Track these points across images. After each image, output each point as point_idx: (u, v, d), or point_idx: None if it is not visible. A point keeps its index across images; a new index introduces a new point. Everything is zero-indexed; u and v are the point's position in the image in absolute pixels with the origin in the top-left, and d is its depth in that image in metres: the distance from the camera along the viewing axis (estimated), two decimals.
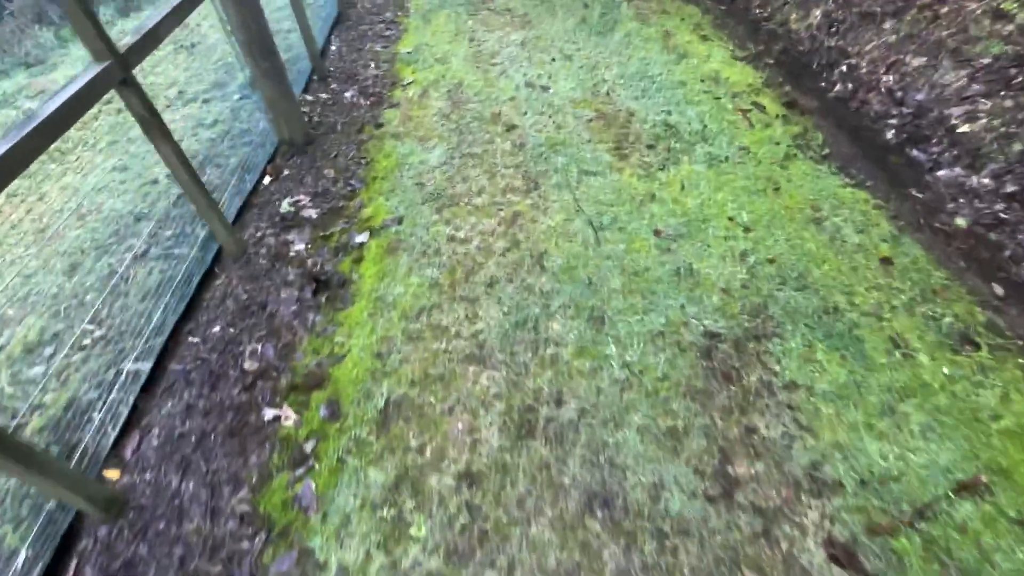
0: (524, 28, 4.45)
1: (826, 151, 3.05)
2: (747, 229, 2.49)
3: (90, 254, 2.46)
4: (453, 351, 1.98)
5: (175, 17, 2.07)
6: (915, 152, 3.17)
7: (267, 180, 2.92)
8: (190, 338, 2.08)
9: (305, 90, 3.76)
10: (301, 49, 3.89)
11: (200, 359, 2.00)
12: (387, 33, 4.55)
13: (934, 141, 3.22)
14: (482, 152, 3.02)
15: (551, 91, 3.57)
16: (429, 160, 2.99)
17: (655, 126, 3.22)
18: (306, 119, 3.41)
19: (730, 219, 2.54)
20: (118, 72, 1.73)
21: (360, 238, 2.50)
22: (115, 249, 2.48)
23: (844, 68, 3.97)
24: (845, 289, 2.20)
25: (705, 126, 3.22)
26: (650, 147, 3.04)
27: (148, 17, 1.95)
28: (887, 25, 3.93)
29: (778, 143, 3.10)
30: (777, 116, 3.36)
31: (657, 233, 2.46)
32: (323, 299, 2.23)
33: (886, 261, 2.33)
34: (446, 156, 3.01)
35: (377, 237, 2.50)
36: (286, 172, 2.99)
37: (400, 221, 2.58)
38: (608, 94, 3.54)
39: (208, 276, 2.34)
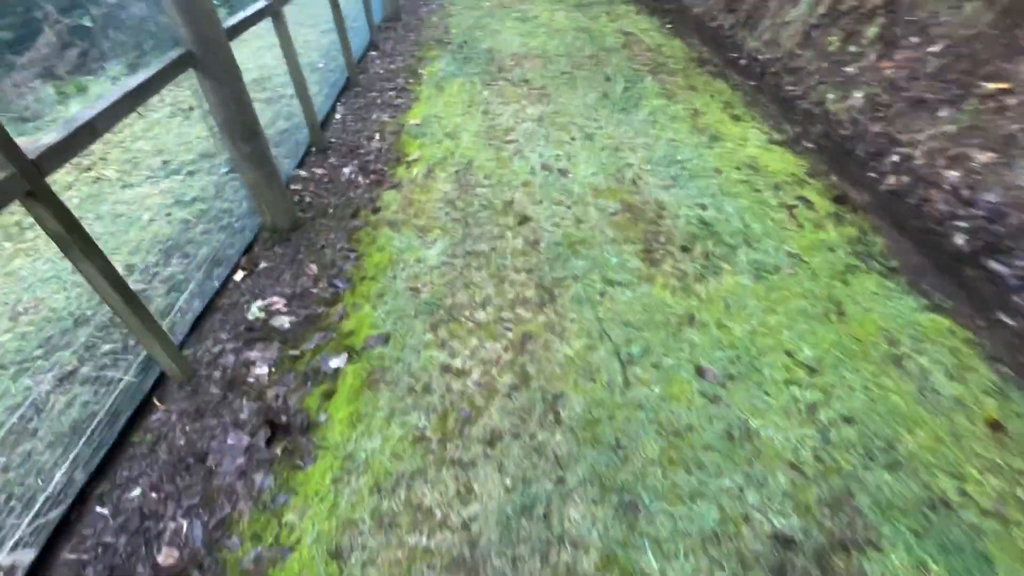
0: (542, 102, 4.16)
1: (892, 263, 2.60)
2: (812, 370, 2.01)
3: (9, 370, 2.03)
4: (436, 551, 1.48)
5: (112, 114, 1.71)
6: (995, 264, 2.71)
7: (240, 275, 2.52)
8: (98, 507, 1.61)
9: (301, 163, 3.43)
10: (303, 117, 3.60)
11: (102, 544, 1.51)
12: (397, 102, 4.29)
13: (1016, 252, 2.77)
14: (489, 250, 2.61)
15: (570, 176, 3.21)
16: (427, 257, 2.58)
17: (689, 223, 2.81)
18: (296, 199, 3.06)
19: (789, 355, 2.07)
20: (23, 182, 1.34)
21: (335, 362, 2.05)
22: (41, 364, 2.05)
23: (896, 158, 3.59)
24: (951, 469, 1.69)
25: (747, 225, 2.80)
26: (685, 250, 2.62)
27: (79, 112, 1.59)
28: (943, 113, 3.57)
29: (833, 249, 2.66)
30: (827, 214, 2.94)
31: (701, 373, 1.99)
32: (278, 451, 1.76)
33: (996, 426, 1.82)
34: (448, 253, 2.60)
35: (356, 362, 2.05)
36: (263, 265, 2.59)
37: (386, 340, 2.14)
38: (634, 182, 3.16)
39: (142, 410, 1.89)
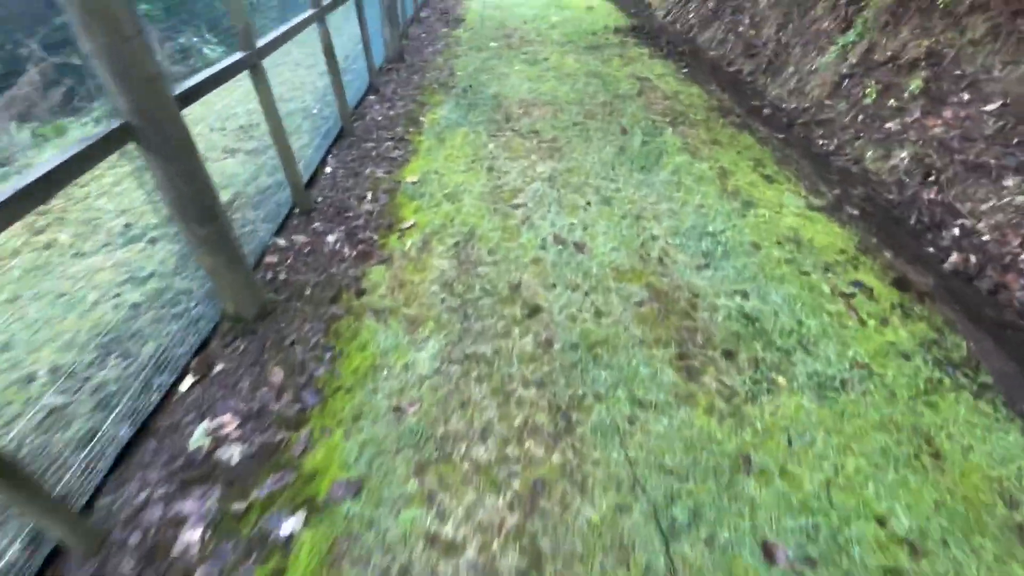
0: (553, 157, 3.78)
1: (982, 377, 2.13)
2: (914, 550, 1.52)
3: None
4: None
5: (16, 207, 1.30)
6: None
7: (187, 383, 2.07)
8: None
9: (280, 229, 3.02)
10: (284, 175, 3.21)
11: None
12: (394, 154, 3.92)
13: None
14: (492, 353, 2.16)
15: (587, 252, 2.78)
16: (417, 362, 2.13)
17: (730, 317, 2.36)
18: (269, 276, 2.64)
19: (880, 523, 1.59)
20: None
21: (289, 525, 1.58)
22: None
23: (956, 231, 3.16)
24: None
25: (800, 321, 2.35)
26: (728, 356, 2.16)
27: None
28: (1009, 182, 3.16)
29: (908, 356, 2.20)
30: (891, 304, 2.49)
31: (770, 554, 1.50)
32: None
33: None
34: (442, 357, 2.15)
35: (317, 524, 1.58)
36: (219, 367, 2.14)
37: (358, 490, 1.67)
38: (661, 260, 2.73)
39: None
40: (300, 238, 2.96)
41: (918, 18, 4.33)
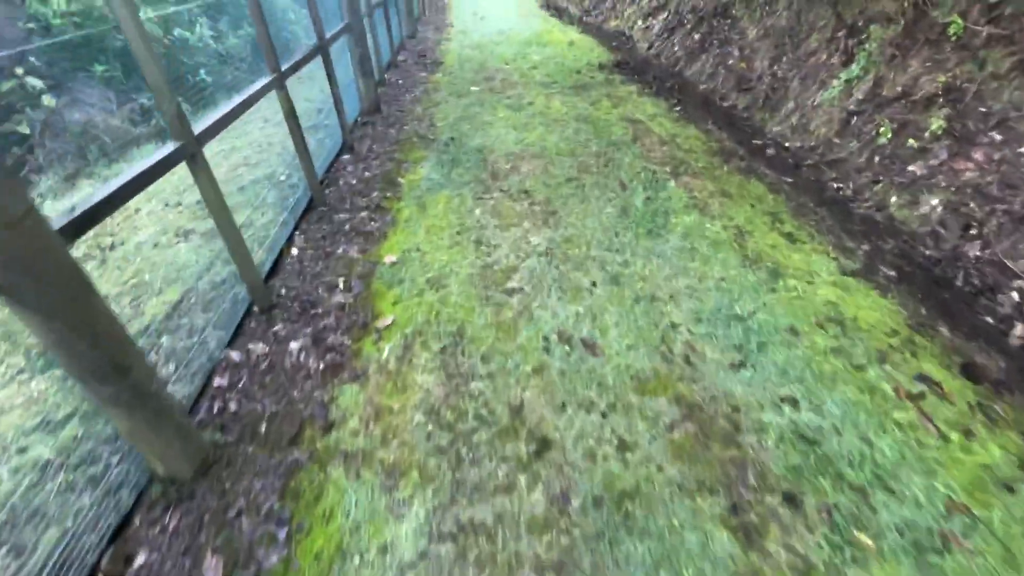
0: (548, 224, 3.38)
1: None
2: None
3: None
4: None
5: None
6: None
7: None
8: None
9: (234, 336, 2.56)
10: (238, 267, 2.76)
11: None
12: (370, 227, 3.49)
13: None
14: (494, 520, 1.69)
15: (599, 353, 2.34)
16: (398, 541, 1.65)
17: (783, 439, 1.92)
18: (217, 408, 2.16)
19: None
20: None
21: None
22: None
23: (1015, 296, 2.78)
24: None
25: (869, 441, 1.91)
26: (791, 502, 1.71)
27: None
28: None
29: (1011, 487, 1.76)
30: (969, 406, 2.07)
31: None
32: None
33: None
34: (429, 530, 1.67)
35: None
36: (140, 560, 1.65)
37: None
38: (687, 358, 2.29)
39: None
40: (258, 348, 2.50)
41: (928, 51, 4.05)
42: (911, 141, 3.76)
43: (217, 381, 2.29)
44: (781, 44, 5.72)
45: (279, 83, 3.21)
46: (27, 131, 5.34)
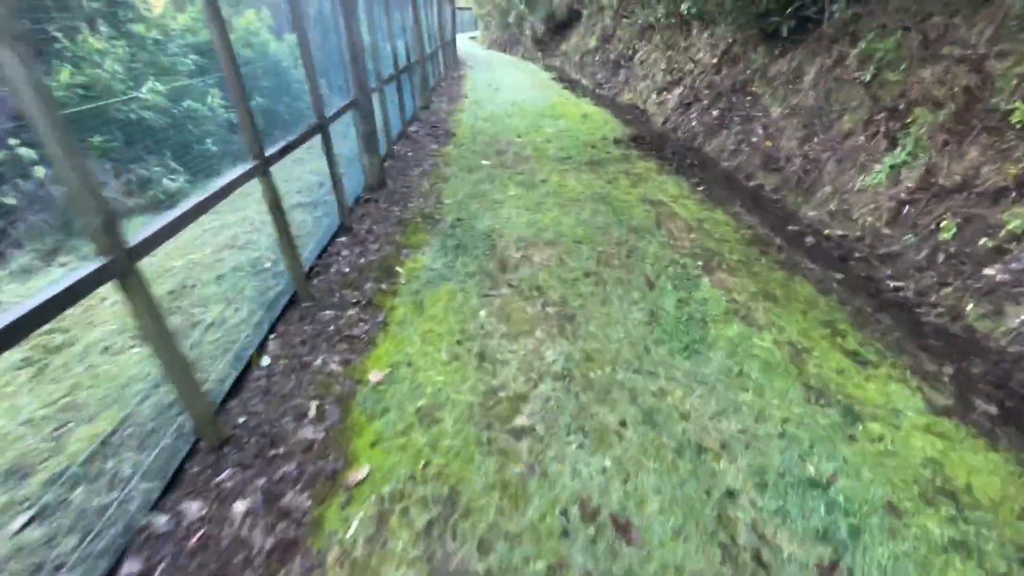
0: (565, 332, 2.87)
1: None
2: None
3: None
4: None
5: None
6: None
7: None
8: None
9: (167, 490, 2.01)
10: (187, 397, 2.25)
11: None
12: (357, 329, 3.01)
13: None
14: None
15: (634, 538, 1.75)
16: None
17: None
18: None
19: None
20: None
21: None
22: None
23: None
24: None
25: None
26: None
27: None
28: None
29: None
30: None
31: None
32: None
33: None
34: None
35: None
36: None
37: None
38: (758, 556, 1.69)
39: None
40: (193, 508, 1.94)
41: (987, 138, 3.65)
42: (985, 240, 3.27)
43: (127, 568, 1.72)
44: (810, 124, 5.42)
45: (262, 170, 2.84)
46: (13, 202, 5.08)
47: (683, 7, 8.78)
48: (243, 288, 3.40)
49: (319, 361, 2.76)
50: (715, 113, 7.16)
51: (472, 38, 32.34)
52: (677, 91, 8.92)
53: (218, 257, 3.90)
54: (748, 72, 7.16)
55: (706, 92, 7.93)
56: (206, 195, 2.24)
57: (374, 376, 2.60)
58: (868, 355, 2.70)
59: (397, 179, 5.67)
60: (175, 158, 6.02)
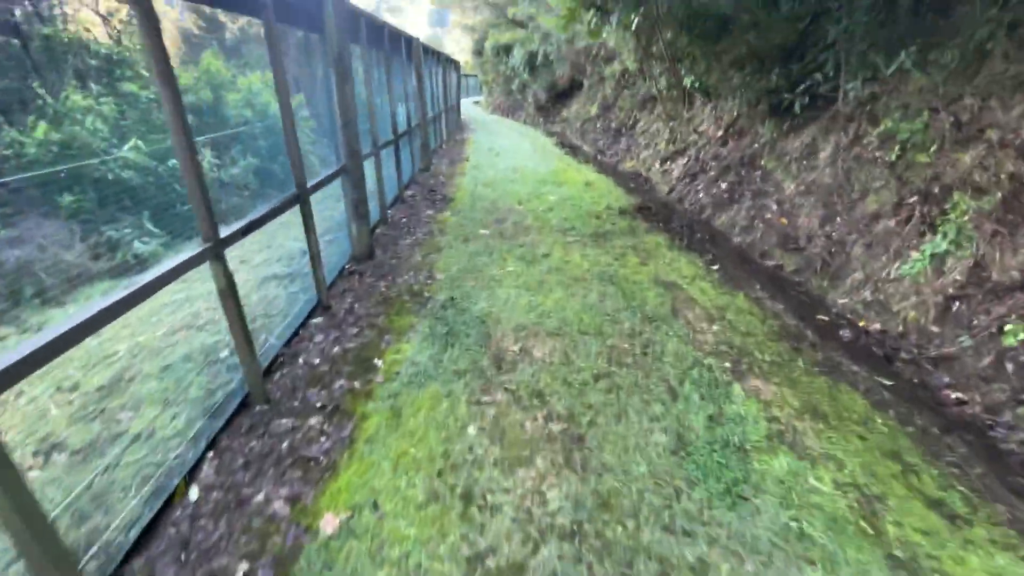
0: (572, 462, 2.31)
1: None
2: None
3: None
4: None
5: None
6: None
7: None
8: None
9: None
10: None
11: None
12: (316, 448, 2.44)
13: None
14: None
15: None
16: None
17: None
18: None
19: None
20: None
21: None
22: None
23: None
24: None
25: None
26: None
27: None
28: None
29: None
30: None
31: None
32: None
33: None
34: None
35: None
36: None
37: None
38: None
39: None
40: None
41: None
42: None
43: None
44: (829, 203, 5.09)
45: (215, 252, 2.38)
46: None
47: (687, 81, 8.80)
48: (188, 385, 2.86)
49: (261, 496, 2.17)
50: (724, 186, 6.91)
51: (476, 102, 33.53)
52: (681, 161, 8.77)
53: (170, 341, 3.38)
54: (756, 146, 6.98)
55: (712, 164, 7.74)
56: (150, 279, 1.76)
57: (328, 523, 2.01)
58: (955, 505, 2.14)
59: (388, 248, 5.26)
60: (155, 219, 5.64)
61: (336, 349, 3.33)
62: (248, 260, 4.94)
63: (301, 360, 3.21)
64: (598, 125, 14.11)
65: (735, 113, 7.88)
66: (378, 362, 3.17)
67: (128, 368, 3.07)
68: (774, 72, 6.10)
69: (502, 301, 3.98)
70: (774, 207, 5.79)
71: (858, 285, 4.22)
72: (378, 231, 5.78)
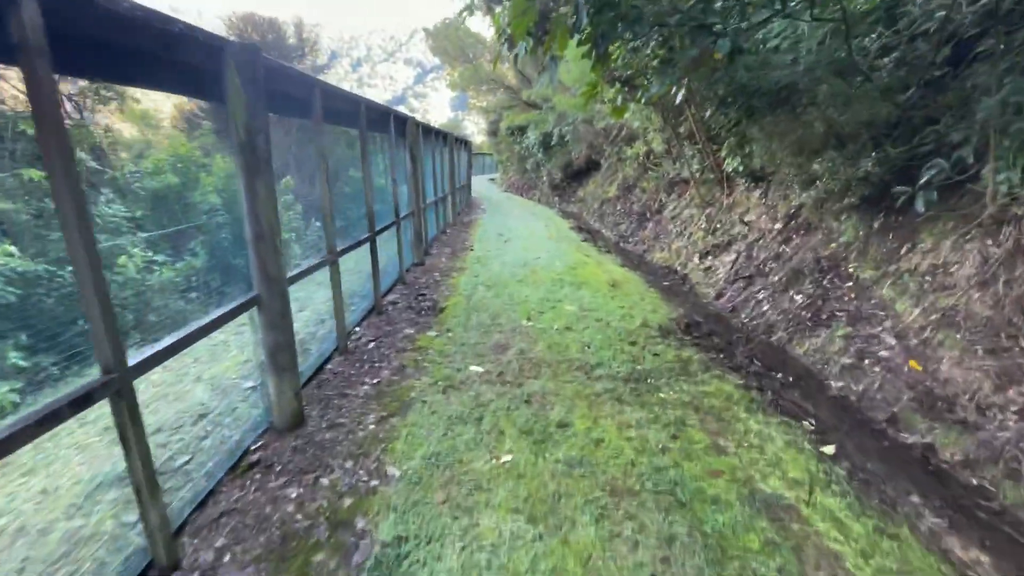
0: None
1: None
2: None
3: None
4: None
5: None
6: None
7: None
8: None
9: None
10: None
11: None
12: None
13: None
14: None
15: None
16: None
17: None
18: None
19: None
20: None
21: None
22: None
23: None
24: None
25: None
26: None
27: None
28: None
29: None
30: None
31: None
32: None
33: None
34: None
35: None
36: None
37: None
38: None
39: None
40: None
41: None
42: None
43: None
44: (993, 347, 3.35)
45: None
46: None
47: (728, 164, 7.44)
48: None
49: None
50: (799, 299, 5.23)
51: (491, 179, 33.42)
52: (728, 258, 7.20)
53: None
54: (835, 246, 5.38)
55: (773, 265, 6.13)
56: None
57: None
58: None
59: (331, 404, 3.59)
60: (17, 348, 4.13)
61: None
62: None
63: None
64: (619, 207, 12.85)
65: (795, 203, 6.39)
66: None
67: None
68: (866, 156, 4.61)
69: (487, 553, 2.21)
70: (891, 341, 4.05)
71: None
72: (329, 366, 4.16)
